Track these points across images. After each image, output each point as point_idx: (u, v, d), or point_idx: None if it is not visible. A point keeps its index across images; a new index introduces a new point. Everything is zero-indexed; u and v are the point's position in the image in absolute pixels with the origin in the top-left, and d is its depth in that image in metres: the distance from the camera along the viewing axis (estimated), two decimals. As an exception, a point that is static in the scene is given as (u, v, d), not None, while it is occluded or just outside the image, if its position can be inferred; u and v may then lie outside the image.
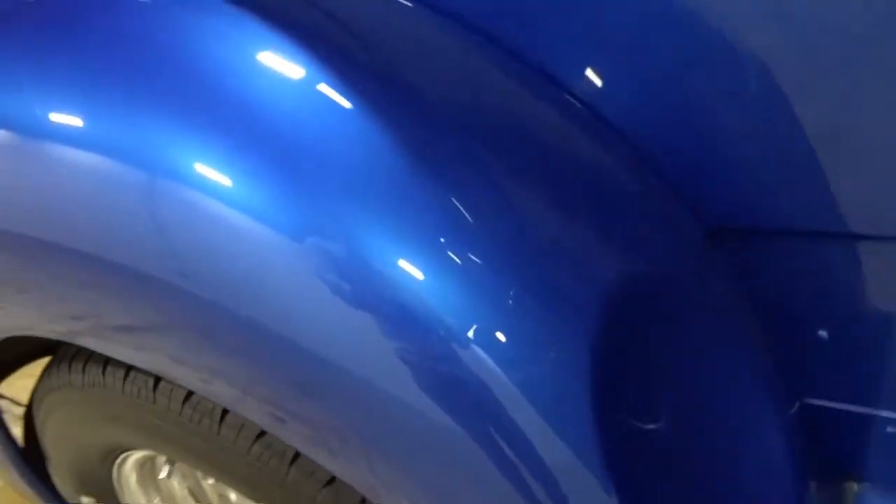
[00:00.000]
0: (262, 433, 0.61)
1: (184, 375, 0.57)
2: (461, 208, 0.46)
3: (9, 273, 0.61)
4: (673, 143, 0.57)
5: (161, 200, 0.48)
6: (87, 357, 0.70)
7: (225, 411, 0.62)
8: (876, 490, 0.72)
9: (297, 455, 0.61)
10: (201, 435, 0.64)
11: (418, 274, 0.43)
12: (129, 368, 0.66)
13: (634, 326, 0.48)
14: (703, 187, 0.58)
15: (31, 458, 0.95)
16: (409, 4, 0.57)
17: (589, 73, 0.56)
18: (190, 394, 0.63)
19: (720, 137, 0.56)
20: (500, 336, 0.43)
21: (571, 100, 0.56)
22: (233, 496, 0.89)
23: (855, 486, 0.73)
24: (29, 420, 0.93)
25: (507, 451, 0.45)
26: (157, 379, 0.64)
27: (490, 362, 0.43)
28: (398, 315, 0.44)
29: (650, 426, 0.48)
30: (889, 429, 0.67)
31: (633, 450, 0.47)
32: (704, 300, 0.56)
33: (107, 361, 0.68)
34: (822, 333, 0.64)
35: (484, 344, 0.43)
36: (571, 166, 0.54)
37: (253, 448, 0.62)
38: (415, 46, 0.56)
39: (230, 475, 0.69)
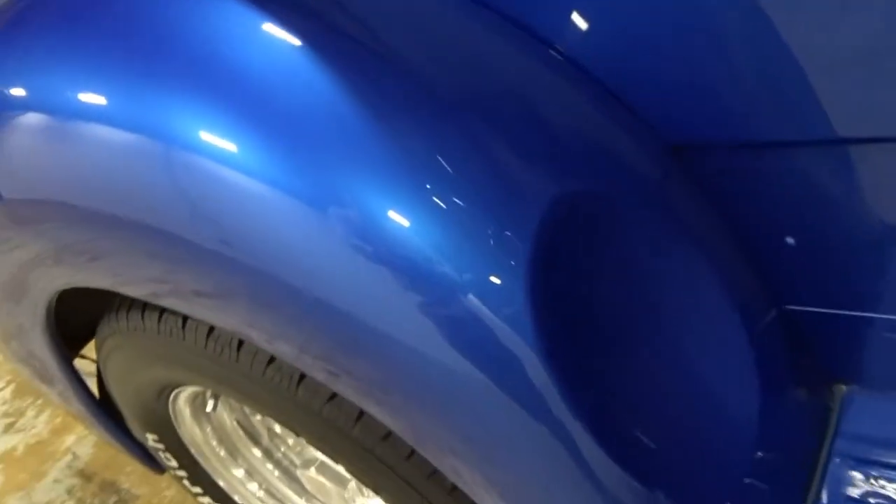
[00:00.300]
0: (302, 376, 0.68)
1: (254, 336, 0.63)
2: (442, 161, 0.52)
3: (81, 243, 0.70)
4: (634, 72, 0.61)
5: (191, 174, 0.55)
6: (143, 306, 0.79)
7: (272, 358, 0.69)
8: (862, 391, 0.75)
9: (333, 395, 0.67)
10: (250, 377, 0.72)
11: (406, 222, 0.49)
12: (185, 318, 0.74)
13: (590, 223, 0.54)
14: (663, 109, 0.62)
15: (107, 409, 1.06)
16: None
17: (553, 14, 0.60)
18: (241, 342, 0.70)
19: (675, 65, 0.59)
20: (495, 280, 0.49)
21: (538, 43, 0.61)
22: (278, 428, 0.99)
23: (843, 388, 0.76)
24: (100, 372, 1.05)
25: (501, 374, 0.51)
26: (211, 328, 0.72)
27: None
28: (404, 265, 0.50)
29: (600, 313, 0.54)
30: (871, 330, 0.70)
31: (585, 340, 0.52)
32: (663, 206, 0.60)
33: (162, 311, 0.76)
34: (794, 240, 0.67)
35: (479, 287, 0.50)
36: (540, 104, 0.59)
37: (298, 390, 0.69)
38: (400, 13, 0.61)
39: (275, 411, 0.77)
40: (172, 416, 0.94)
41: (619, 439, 0.53)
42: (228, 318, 0.63)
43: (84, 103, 0.60)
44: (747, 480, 0.61)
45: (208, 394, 0.91)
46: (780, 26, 0.53)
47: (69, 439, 1.97)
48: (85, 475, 1.81)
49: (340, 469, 0.94)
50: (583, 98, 0.59)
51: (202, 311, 0.65)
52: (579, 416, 0.50)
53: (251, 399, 0.75)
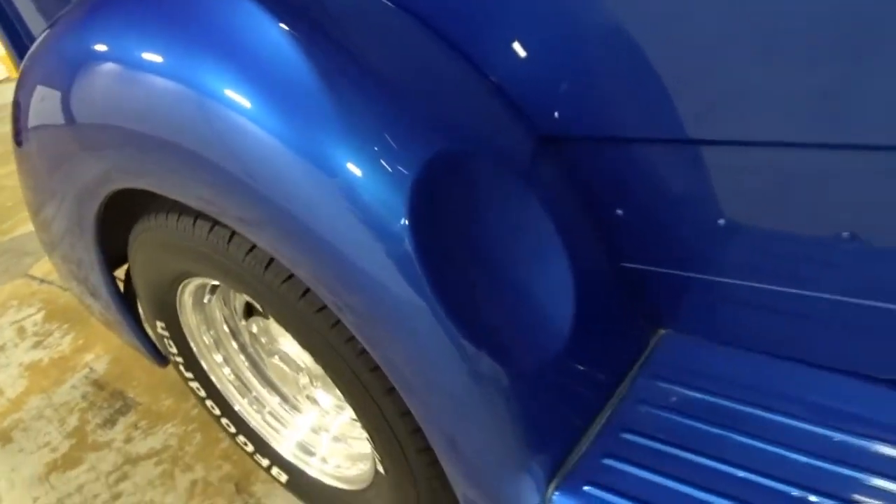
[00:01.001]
0: (269, 262, 0.95)
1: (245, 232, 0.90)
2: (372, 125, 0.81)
3: (135, 161, 0.98)
4: (519, 76, 0.89)
5: (220, 119, 0.84)
6: (180, 211, 1.07)
7: (271, 260, 0.97)
8: (678, 336, 1.02)
9: (290, 276, 0.95)
10: (251, 272, 0.99)
11: (359, 171, 0.78)
12: (214, 224, 1.00)
13: (463, 165, 0.82)
14: (537, 104, 0.90)
15: (132, 312, 1.36)
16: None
17: (464, 24, 0.89)
18: (253, 247, 0.96)
19: (549, 73, 0.87)
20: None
21: (449, 48, 0.90)
22: (254, 328, 1.28)
23: (662, 332, 1.04)
24: (127, 276, 1.35)
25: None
26: (232, 234, 0.98)
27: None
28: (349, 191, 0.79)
29: (463, 257, 0.82)
30: (687, 287, 0.97)
31: (455, 275, 0.80)
32: (525, 176, 0.88)
33: (196, 218, 1.04)
34: (628, 214, 0.95)
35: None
36: (446, 93, 0.88)
37: (282, 287, 0.96)
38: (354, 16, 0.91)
39: (251, 290, 1.05)
40: (178, 305, 1.24)
41: (461, 311, 0.81)
42: (236, 213, 0.91)
43: (146, 59, 0.90)
44: (557, 373, 0.88)
45: (207, 287, 1.21)
46: (633, 42, 0.79)
47: (88, 357, 2.29)
48: (98, 385, 2.12)
49: (297, 358, 1.23)
50: (477, 89, 0.88)
51: (236, 225, 0.93)
52: (433, 285, 0.78)
53: (238, 281, 1.04)
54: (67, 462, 1.83)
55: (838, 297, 0.83)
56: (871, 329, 0.83)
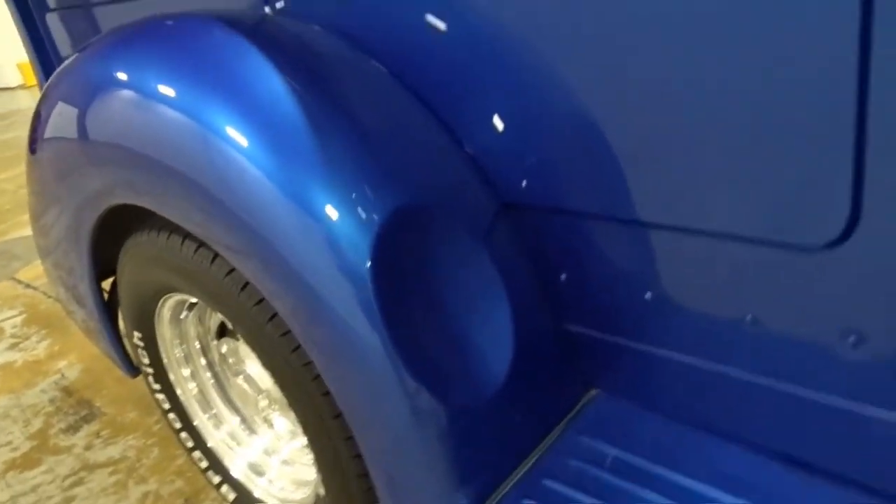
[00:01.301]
0: (245, 286, 1.05)
1: (229, 256, 1.00)
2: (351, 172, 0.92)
3: (138, 180, 1.09)
4: (486, 141, 1.01)
5: (220, 153, 0.95)
6: (170, 231, 1.17)
7: (246, 283, 1.05)
8: (608, 398, 1.11)
9: (261, 299, 1.05)
10: (228, 292, 1.09)
11: (334, 214, 0.89)
12: (200, 245, 1.10)
13: (425, 219, 0.93)
14: (502, 173, 1.02)
15: (109, 310, 1.45)
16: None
17: (442, 92, 1.01)
18: (232, 269, 1.05)
19: (518, 142, 0.99)
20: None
21: (429, 113, 1.02)
22: (224, 349, 1.37)
23: (593, 391, 1.13)
24: (112, 288, 1.44)
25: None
26: (215, 255, 1.07)
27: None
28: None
29: (415, 301, 0.92)
30: (621, 352, 1.06)
31: (407, 316, 0.90)
32: (482, 236, 0.99)
33: (184, 238, 1.14)
34: (571, 279, 1.05)
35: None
36: (418, 153, 1.00)
37: (241, 295, 1.06)
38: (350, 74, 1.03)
39: (234, 319, 1.14)
40: (156, 318, 1.32)
41: (407, 349, 0.90)
42: (223, 240, 1.01)
43: (160, 91, 1.01)
44: (490, 415, 0.97)
45: (186, 304, 1.30)
46: (593, 131, 0.90)
47: (61, 363, 2.35)
48: (67, 391, 2.18)
49: (259, 381, 1.31)
50: (449, 152, 0.99)
51: (209, 238, 1.03)
52: (386, 323, 0.88)
53: (215, 300, 1.13)
54: (26, 462, 1.88)
55: (746, 376, 0.93)
56: (774, 407, 0.93)
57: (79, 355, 2.36)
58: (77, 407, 2.08)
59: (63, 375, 2.27)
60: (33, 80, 9.38)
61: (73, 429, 1.98)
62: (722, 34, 0.74)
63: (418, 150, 1.00)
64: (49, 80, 1.27)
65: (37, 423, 2.04)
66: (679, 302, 0.94)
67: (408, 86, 1.02)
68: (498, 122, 0.98)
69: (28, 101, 8.44)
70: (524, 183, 1.00)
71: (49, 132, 1.25)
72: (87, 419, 2.02)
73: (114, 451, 1.86)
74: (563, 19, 0.85)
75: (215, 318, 1.34)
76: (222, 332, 1.36)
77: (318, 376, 1.02)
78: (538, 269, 1.06)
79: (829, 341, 0.82)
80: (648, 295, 0.97)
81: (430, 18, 0.97)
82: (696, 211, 0.85)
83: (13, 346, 2.53)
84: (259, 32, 1.04)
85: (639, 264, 0.97)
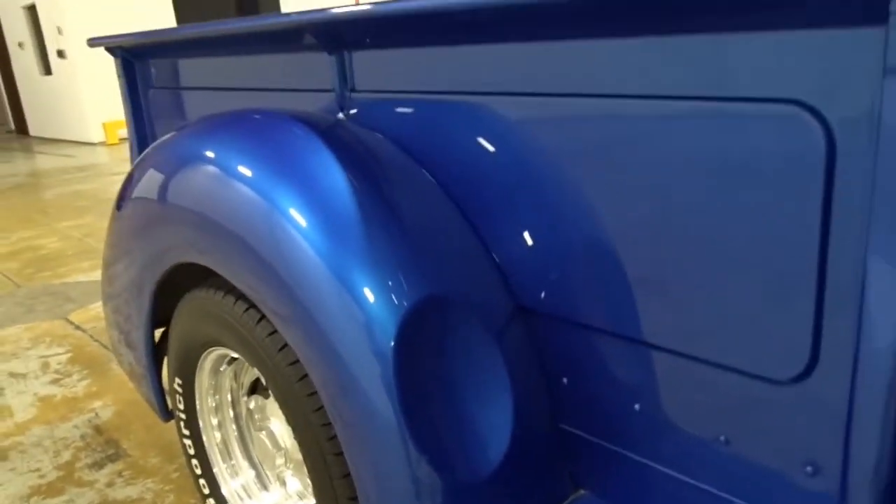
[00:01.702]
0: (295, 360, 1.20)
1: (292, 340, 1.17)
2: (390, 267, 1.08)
3: (214, 248, 1.27)
4: (510, 250, 1.15)
5: (280, 228, 1.13)
6: (226, 291, 1.33)
7: (284, 344, 1.20)
8: (594, 497, 1.20)
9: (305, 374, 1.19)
10: (267, 351, 1.23)
11: (371, 296, 1.04)
12: (249, 306, 1.27)
13: (447, 309, 1.07)
14: (521, 283, 1.16)
15: (158, 354, 1.60)
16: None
17: (476, 200, 1.17)
18: (274, 330, 1.22)
19: (539, 255, 1.13)
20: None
21: (464, 222, 1.17)
22: (252, 405, 1.49)
23: (581, 491, 1.22)
24: (163, 336, 1.60)
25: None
26: (261, 317, 1.25)
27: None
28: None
29: (428, 381, 1.05)
30: (610, 457, 1.16)
31: (419, 393, 1.03)
32: (495, 333, 1.12)
33: (237, 298, 1.30)
34: (575, 385, 1.16)
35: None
36: (453, 257, 1.15)
37: (287, 368, 1.21)
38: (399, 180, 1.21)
39: (268, 374, 1.28)
40: (198, 368, 1.47)
41: (416, 423, 1.02)
42: (272, 305, 1.17)
43: (239, 170, 1.20)
44: (482, 495, 1.07)
45: (227, 359, 1.44)
46: (604, 256, 1.06)
47: (97, 403, 2.49)
48: (98, 430, 2.31)
49: (280, 439, 1.43)
50: (475, 254, 1.14)
51: (260, 301, 1.19)
52: (401, 398, 1.00)
53: (255, 356, 1.26)
54: (50, 490, 2.00)
55: (718, 493, 1.02)
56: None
57: (114, 398, 2.50)
58: (105, 445, 2.21)
59: (97, 415, 2.41)
60: (114, 139, 10.04)
61: (98, 465, 2.10)
62: (708, 206, 0.88)
63: (449, 250, 1.15)
64: (147, 150, 1.47)
65: (66, 456, 2.17)
66: (664, 417, 1.05)
67: (450, 195, 1.18)
68: (524, 238, 1.13)
69: (105, 157, 9.00)
70: (539, 292, 1.14)
71: (137, 193, 1.44)
72: (112, 458, 2.13)
73: (132, 492, 1.96)
74: (588, 167, 1.01)
75: (250, 376, 1.47)
76: (253, 389, 1.49)
77: (334, 437, 1.14)
78: (543, 370, 1.18)
79: (790, 469, 0.91)
80: (638, 406, 1.08)
81: (479, 141, 1.14)
82: (685, 338, 0.97)
83: (55, 381, 2.69)
84: (330, 133, 1.23)
85: (632, 378, 1.08)
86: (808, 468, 0.89)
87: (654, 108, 0.92)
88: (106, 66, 8.27)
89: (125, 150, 9.26)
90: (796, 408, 0.88)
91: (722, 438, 0.98)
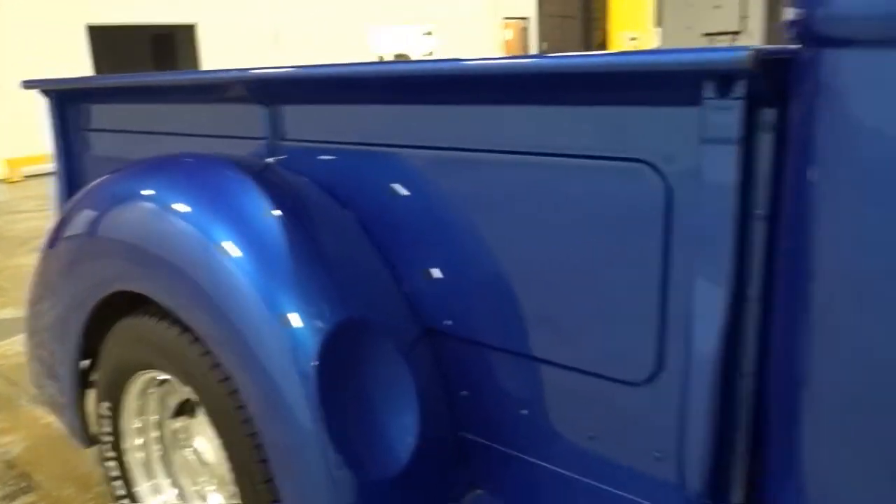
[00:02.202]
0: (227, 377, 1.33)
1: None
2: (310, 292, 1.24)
3: (151, 277, 1.39)
4: (420, 281, 1.34)
5: (212, 256, 1.27)
6: (160, 317, 1.44)
7: (216, 364, 1.34)
8: (489, 496, 1.37)
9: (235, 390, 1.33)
10: (200, 369, 1.35)
11: (295, 320, 1.20)
12: (183, 330, 1.39)
13: (360, 327, 1.23)
14: (427, 308, 1.34)
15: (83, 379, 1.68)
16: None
17: (388, 234, 1.35)
18: (207, 351, 1.34)
19: (441, 286, 1.32)
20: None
21: (377, 253, 1.35)
22: (177, 424, 1.60)
23: (478, 491, 1.39)
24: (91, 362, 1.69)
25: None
26: (195, 338, 1.36)
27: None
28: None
29: (346, 394, 1.21)
30: (502, 459, 1.34)
31: (338, 404, 1.19)
32: (404, 351, 1.29)
33: (171, 323, 1.41)
34: (473, 397, 1.34)
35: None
36: (363, 286, 1.32)
37: (219, 385, 1.33)
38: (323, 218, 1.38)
39: (200, 392, 1.40)
40: (126, 391, 1.56)
41: (334, 426, 1.17)
42: (206, 328, 1.30)
43: (177, 208, 1.34)
44: (391, 492, 1.23)
45: (155, 381, 1.54)
46: (495, 283, 1.25)
47: (8, 438, 2.50)
48: (10, 464, 2.33)
49: (204, 455, 1.54)
50: (388, 283, 1.32)
51: (195, 325, 1.32)
52: (323, 409, 1.16)
53: (187, 376, 1.38)
54: (-40, 522, 2.00)
55: (589, 483, 1.21)
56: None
57: (26, 433, 2.51)
58: (17, 479, 2.22)
59: (8, 450, 2.41)
60: (16, 176, 9.72)
61: (9, 497, 2.12)
62: (578, 242, 1.11)
63: (365, 280, 1.32)
64: (83, 190, 1.59)
65: (-24, 489, 2.17)
66: (546, 419, 1.24)
67: (367, 231, 1.36)
68: (430, 269, 1.32)
69: (6, 195, 8.72)
70: (443, 316, 1.32)
71: (74, 230, 1.55)
72: (25, 490, 2.15)
73: (47, 521, 2.00)
74: (481, 210, 1.22)
75: (177, 397, 1.58)
76: (180, 410, 1.60)
77: (260, 444, 1.28)
78: (445, 384, 1.35)
79: (644, 457, 1.12)
80: (525, 412, 1.27)
81: (392, 185, 1.33)
82: (562, 351, 1.17)
83: (-38, 419, 2.66)
84: (261, 176, 1.39)
85: (520, 387, 1.27)
86: (657, 454, 1.10)
87: (537, 162, 1.13)
88: (10, 103, 8.09)
89: (29, 188, 9.00)
90: (647, 405, 1.09)
91: (591, 434, 1.18)
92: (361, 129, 1.37)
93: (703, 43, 15.14)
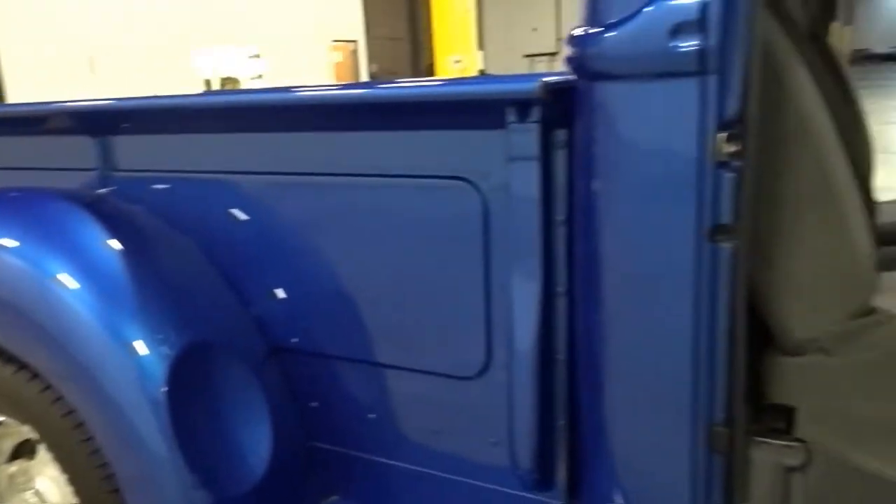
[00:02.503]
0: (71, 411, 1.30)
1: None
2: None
3: None
4: (263, 301, 1.39)
5: (49, 291, 1.26)
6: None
7: (59, 397, 1.31)
8: (343, 501, 1.44)
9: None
10: (41, 405, 1.32)
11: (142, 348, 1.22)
12: (20, 367, 1.33)
13: (205, 350, 1.27)
14: (273, 328, 1.40)
15: None
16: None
17: (231, 258, 1.40)
18: (48, 386, 1.30)
19: (285, 305, 1.38)
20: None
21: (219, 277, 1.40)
22: (14, 468, 1.54)
23: (333, 497, 1.46)
24: None
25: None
26: (34, 375, 1.33)
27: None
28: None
29: (198, 416, 1.24)
30: (354, 464, 1.42)
31: (190, 426, 1.22)
32: (254, 370, 1.34)
33: (6, 361, 1.35)
34: (322, 408, 1.41)
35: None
36: (205, 309, 1.36)
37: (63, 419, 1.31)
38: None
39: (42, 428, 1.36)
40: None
41: (187, 448, 1.21)
42: (48, 365, 1.28)
43: (7, 245, 1.32)
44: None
45: None
46: (334, 304, 1.32)
47: None
48: None
49: (47, 495, 1.50)
50: (233, 304, 1.37)
51: (34, 361, 1.29)
52: (175, 433, 1.19)
53: (27, 413, 1.35)
54: None
55: (439, 474, 1.32)
56: (458, 495, 1.32)
57: None
58: None
59: None
60: None
61: None
62: (411, 254, 1.22)
63: (209, 303, 1.37)
64: None
65: None
66: (392, 420, 1.34)
67: (209, 256, 1.40)
68: (274, 290, 1.38)
69: None
70: (289, 333, 1.39)
71: None
72: None
73: None
74: (318, 231, 1.31)
75: (12, 440, 1.52)
76: (15, 454, 1.54)
77: (111, 475, 1.28)
78: (295, 398, 1.42)
79: (482, 444, 1.24)
80: (373, 416, 1.36)
81: (229, 210, 1.38)
82: (401, 354, 1.28)
83: None
84: (94, 207, 1.39)
85: (366, 393, 1.37)
86: (493, 440, 1.23)
87: (369, 183, 1.24)
88: None
89: None
90: (481, 397, 1.22)
91: (435, 429, 1.29)
92: (195, 158, 1.41)
93: (525, 63, 16.11)
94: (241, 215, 1.38)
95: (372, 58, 11.14)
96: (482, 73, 9.97)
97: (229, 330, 1.36)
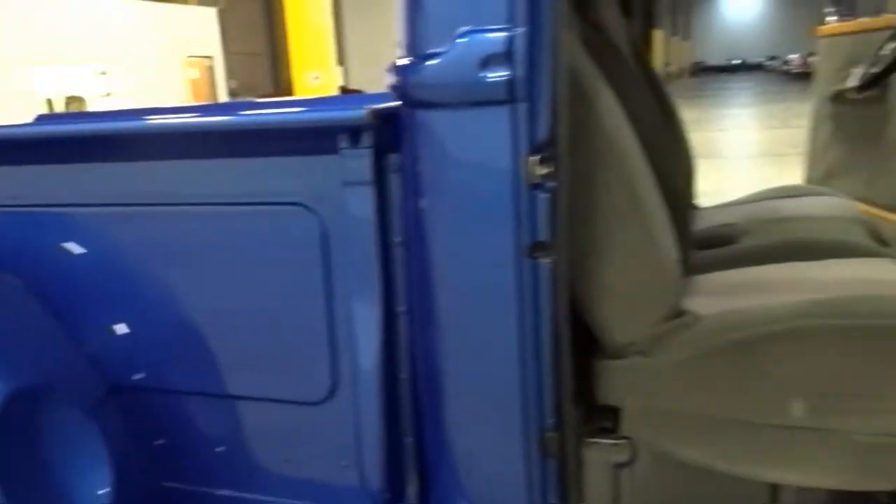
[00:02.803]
0: None
1: None
2: None
3: None
4: (97, 340, 1.33)
5: None
6: None
7: None
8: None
9: None
10: None
11: None
12: None
13: (36, 397, 1.20)
14: (110, 366, 1.33)
15: None
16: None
17: (64, 300, 1.32)
18: None
19: (122, 342, 1.32)
20: None
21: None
22: None
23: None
24: None
25: None
26: None
27: None
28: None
29: (29, 464, 1.17)
30: (206, 499, 1.37)
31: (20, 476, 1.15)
32: (91, 413, 1.28)
33: None
34: (169, 445, 1.36)
35: None
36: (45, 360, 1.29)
37: None
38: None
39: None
40: None
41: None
42: None
43: None
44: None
45: None
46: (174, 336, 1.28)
47: None
48: None
49: None
50: (66, 346, 1.30)
51: None
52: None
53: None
54: None
55: (292, 501, 1.31)
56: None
57: None
58: None
59: None
60: None
61: None
62: (253, 283, 1.21)
63: (38, 345, 1.29)
64: None
65: None
66: (245, 452, 1.32)
67: (39, 295, 1.32)
68: (113, 327, 1.32)
69: None
70: (128, 371, 1.34)
71: None
72: None
73: None
74: (159, 264, 1.27)
75: None
76: None
77: None
78: (142, 437, 1.36)
79: (334, 467, 1.24)
80: (222, 449, 1.33)
81: (63, 246, 1.31)
82: (247, 385, 1.26)
83: None
84: None
85: (213, 426, 1.33)
86: (343, 463, 1.23)
87: (208, 212, 1.22)
88: None
89: None
90: (329, 420, 1.23)
91: (286, 457, 1.28)
92: (21, 191, 1.33)
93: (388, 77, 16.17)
94: (74, 249, 1.31)
95: (231, 74, 10.84)
96: (343, 89, 9.93)
97: (62, 372, 1.29)
